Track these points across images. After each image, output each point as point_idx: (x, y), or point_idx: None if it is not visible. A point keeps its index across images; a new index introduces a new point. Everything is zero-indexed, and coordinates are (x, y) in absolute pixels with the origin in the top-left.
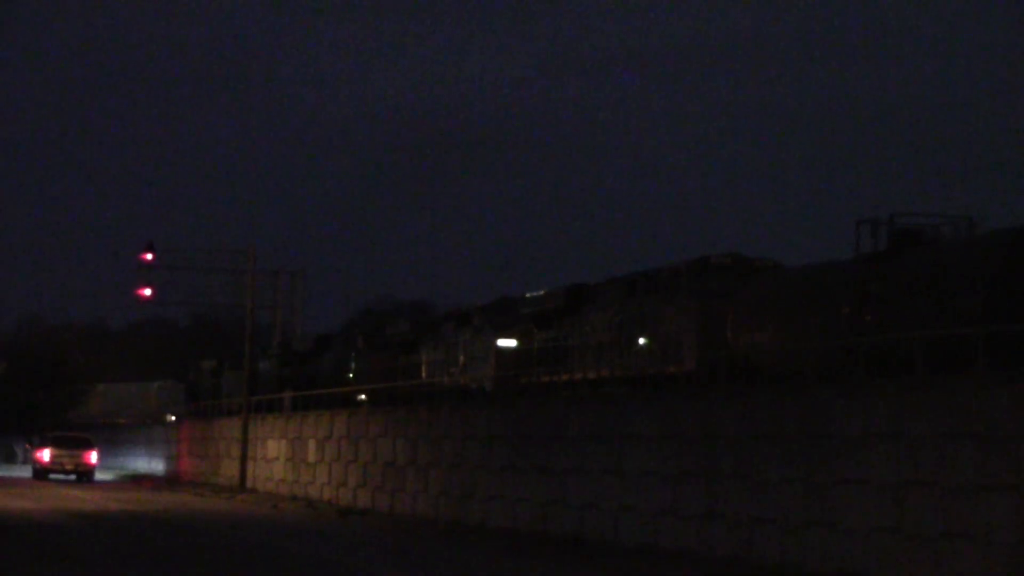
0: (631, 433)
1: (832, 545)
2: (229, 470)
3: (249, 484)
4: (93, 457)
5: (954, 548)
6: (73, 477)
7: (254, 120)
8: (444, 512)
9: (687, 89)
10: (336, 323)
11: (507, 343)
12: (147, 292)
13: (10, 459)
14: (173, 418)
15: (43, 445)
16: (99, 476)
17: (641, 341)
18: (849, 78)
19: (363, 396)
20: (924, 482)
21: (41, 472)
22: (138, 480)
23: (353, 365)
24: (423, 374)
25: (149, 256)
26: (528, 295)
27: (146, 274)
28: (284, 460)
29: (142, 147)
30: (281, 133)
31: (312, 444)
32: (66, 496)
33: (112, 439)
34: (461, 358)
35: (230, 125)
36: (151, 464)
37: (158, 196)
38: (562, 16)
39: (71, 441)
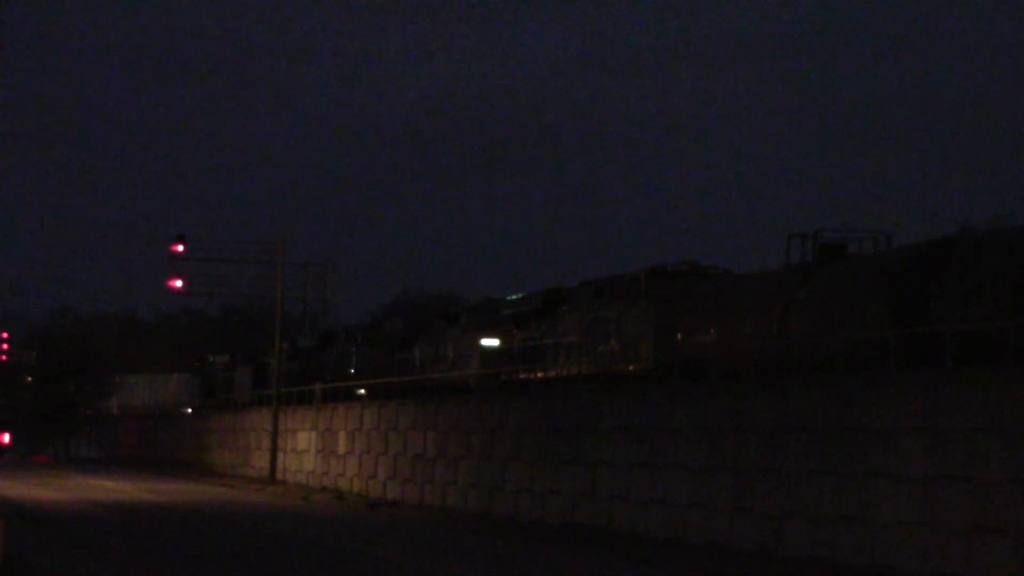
0: (661, 426)
1: (862, 539)
2: (259, 461)
3: (279, 476)
4: (6, 438)
5: (985, 542)
6: None
7: (285, 113)
8: (473, 504)
9: (724, 83)
10: (366, 316)
11: (490, 342)
12: (178, 284)
13: None
14: (189, 410)
15: None
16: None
17: (608, 341)
18: (876, 68)
19: (362, 391)
20: (955, 476)
21: None
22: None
23: (354, 360)
24: (417, 369)
25: (180, 248)
26: (510, 297)
27: (177, 266)
28: (314, 452)
29: (174, 139)
30: (312, 126)
31: (342, 436)
32: (98, 488)
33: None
34: (450, 355)
35: (261, 118)
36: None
37: (190, 188)
38: (594, 11)
39: None
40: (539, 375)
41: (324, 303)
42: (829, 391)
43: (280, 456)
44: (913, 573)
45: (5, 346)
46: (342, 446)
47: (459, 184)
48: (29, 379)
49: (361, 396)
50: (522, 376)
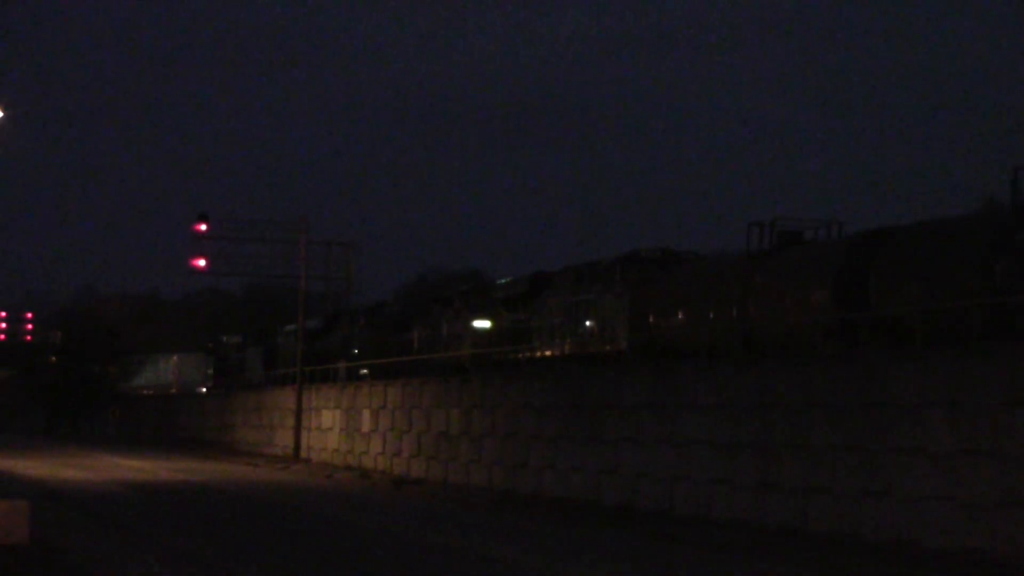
0: (685, 402)
1: (887, 514)
2: (283, 440)
3: (303, 454)
4: None
5: (1011, 517)
6: None
7: (309, 92)
8: (497, 481)
9: (757, 61)
10: (389, 294)
11: (481, 324)
12: (201, 263)
13: None
14: (204, 390)
15: None
16: None
17: (588, 323)
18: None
19: (364, 371)
20: (980, 451)
21: None
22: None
23: (357, 341)
24: (415, 349)
25: (203, 227)
26: (500, 281)
27: (200, 245)
28: (338, 430)
29: (197, 119)
30: (336, 105)
31: (366, 414)
32: (122, 467)
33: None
34: (445, 336)
35: (285, 97)
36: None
37: (213, 168)
38: None
39: None
40: (527, 355)
41: (347, 282)
42: (853, 367)
43: (304, 434)
44: (938, 548)
45: (30, 326)
46: (366, 424)
47: (482, 163)
48: (53, 358)
49: (363, 375)
50: (512, 356)
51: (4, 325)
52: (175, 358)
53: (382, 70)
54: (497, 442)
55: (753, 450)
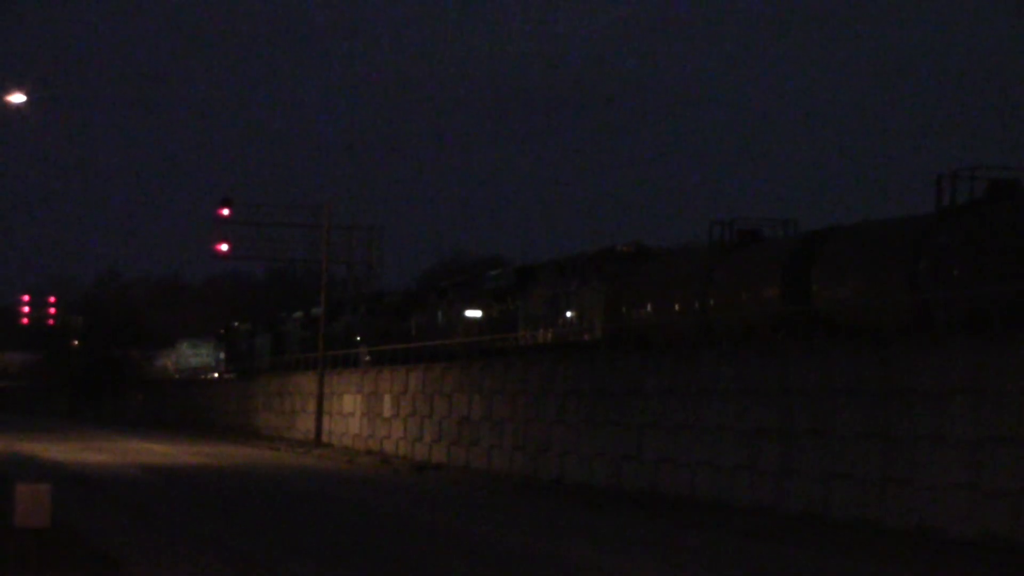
0: (708, 388)
1: (909, 501)
2: (304, 424)
3: (324, 438)
4: None
5: None
6: None
7: (332, 76)
8: (519, 467)
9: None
10: (413, 278)
11: (472, 313)
12: (224, 247)
13: None
14: (216, 375)
15: None
16: None
17: (568, 314)
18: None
19: (367, 357)
20: (1004, 438)
21: None
22: None
23: (358, 328)
24: (413, 336)
25: (226, 211)
26: (490, 273)
27: (223, 229)
28: (360, 415)
29: (220, 103)
30: (360, 90)
31: (387, 399)
32: (144, 451)
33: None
34: (440, 324)
35: (309, 82)
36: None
37: (236, 152)
38: None
39: None
40: (513, 343)
41: (370, 266)
42: (876, 353)
43: (326, 419)
44: (960, 535)
45: (52, 310)
46: (387, 409)
47: (506, 148)
48: (76, 342)
49: (365, 361)
50: (499, 344)
51: (27, 309)
52: (185, 343)
53: (405, 56)
54: (519, 427)
55: (775, 436)
